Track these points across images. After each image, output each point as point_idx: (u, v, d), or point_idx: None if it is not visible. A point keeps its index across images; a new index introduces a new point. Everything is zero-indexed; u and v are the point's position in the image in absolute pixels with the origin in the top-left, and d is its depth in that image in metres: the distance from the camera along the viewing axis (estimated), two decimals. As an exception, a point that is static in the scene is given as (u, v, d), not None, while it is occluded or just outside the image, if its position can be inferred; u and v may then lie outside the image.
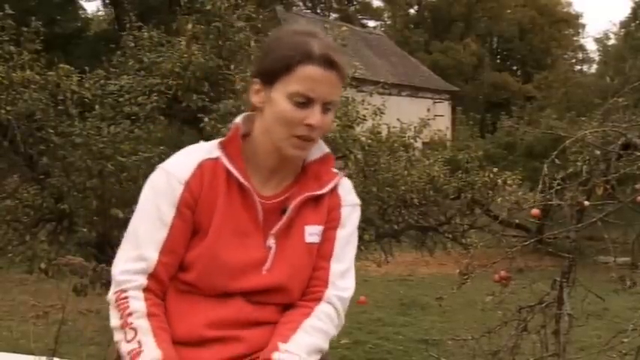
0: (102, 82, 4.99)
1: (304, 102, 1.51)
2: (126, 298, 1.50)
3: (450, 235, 6.74)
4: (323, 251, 1.61)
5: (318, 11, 37.11)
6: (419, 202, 6.12)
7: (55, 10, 17.43)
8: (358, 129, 5.62)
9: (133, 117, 4.80)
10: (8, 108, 4.45)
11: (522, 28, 38.50)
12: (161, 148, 4.64)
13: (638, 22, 29.14)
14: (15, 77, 4.53)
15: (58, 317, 3.84)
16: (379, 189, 5.53)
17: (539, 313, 3.68)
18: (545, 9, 39.34)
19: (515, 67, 41.19)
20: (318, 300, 1.58)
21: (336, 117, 4.67)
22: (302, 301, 1.59)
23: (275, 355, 1.47)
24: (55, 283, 4.46)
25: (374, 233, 5.84)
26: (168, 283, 1.55)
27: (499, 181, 6.35)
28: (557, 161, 3.71)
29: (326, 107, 1.54)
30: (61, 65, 4.82)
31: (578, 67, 42.02)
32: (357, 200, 1.69)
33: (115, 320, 1.50)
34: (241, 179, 1.55)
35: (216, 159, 1.56)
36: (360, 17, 39.48)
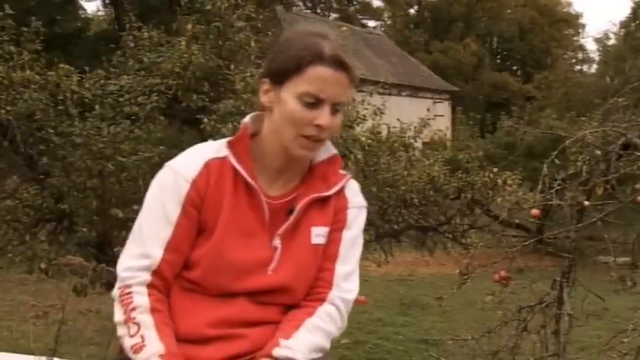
0: (102, 82, 4.99)
1: (314, 102, 1.51)
2: (130, 293, 1.51)
3: (450, 235, 6.75)
4: (328, 252, 1.61)
5: (318, 11, 37.11)
6: (419, 202, 6.12)
7: (55, 10, 17.42)
8: (358, 129, 5.62)
9: (133, 117, 4.80)
10: (8, 108, 4.45)
11: (522, 28, 38.50)
12: (161, 148, 4.65)
13: (638, 22, 29.13)
14: (15, 77, 4.53)
15: (58, 317, 3.84)
16: (379, 189, 5.53)
17: (539, 313, 3.68)
18: (545, 9, 39.33)
19: (515, 67, 41.19)
20: (322, 301, 1.59)
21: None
22: (305, 301, 1.59)
23: (276, 350, 1.48)
24: (55, 283, 4.46)
25: (374, 233, 5.85)
26: (173, 280, 1.55)
27: (499, 181, 6.35)
28: (557, 161, 3.71)
29: (335, 108, 1.54)
30: (61, 65, 4.82)
31: (578, 67, 42.07)
32: (363, 202, 1.69)
33: (118, 315, 1.51)
34: (248, 179, 1.55)
35: (224, 158, 1.56)
36: (360, 17, 39.49)
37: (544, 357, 3.65)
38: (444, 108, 25.56)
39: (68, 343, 5.34)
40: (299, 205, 1.58)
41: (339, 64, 1.51)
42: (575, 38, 43.00)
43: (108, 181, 4.65)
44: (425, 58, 32.18)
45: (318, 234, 1.60)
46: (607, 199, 3.68)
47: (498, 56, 41.68)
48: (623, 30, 32.34)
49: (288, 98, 1.52)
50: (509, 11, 39.61)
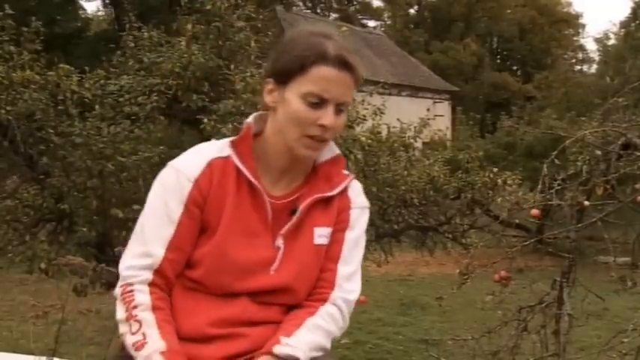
0: (102, 82, 4.99)
1: (318, 102, 1.51)
2: (131, 291, 1.51)
3: (450, 235, 6.75)
4: (331, 253, 1.62)
5: (318, 11, 37.11)
6: (419, 202, 6.12)
7: (55, 10, 17.42)
8: (358, 129, 5.61)
9: (133, 117, 4.80)
10: (8, 108, 4.45)
11: (522, 28, 38.50)
12: (161, 148, 4.65)
13: (638, 22, 29.13)
14: (15, 77, 4.53)
15: (58, 317, 3.84)
16: (379, 189, 5.53)
17: (539, 313, 3.68)
18: (545, 9, 39.34)
19: (515, 67, 41.20)
20: (324, 301, 1.59)
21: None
22: (307, 301, 1.60)
23: (276, 348, 1.48)
24: (55, 283, 4.46)
25: (374, 233, 5.84)
26: (174, 279, 1.56)
27: (499, 181, 6.35)
28: (557, 161, 3.71)
29: (339, 108, 1.54)
30: (61, 65, 4.82)
31: (578, 67, 42.08)
32: (366, 203, 1.69)
33: (120, 313, 1.52)
34: (251, 178, 1.55)
35: (227, 157, 1.56)
36: (360, 17, 39.49)
37: (544, 357, 3.65)
38: (444, 108, 25.57)
39: (68, 343, 5.34)
40: (302, 206, 1.58)
41: (344, 64, 1.51)
42: (575, 38, 43.04)
43: (108, 181, 4.65)
44: (425, 58, 32.18)
45: (321, 234, 1.60)
46: (607, 199, 3.67)
47: (498, 56, 41.68)
48: (623, 30, 32.35)
49: (293, 98, 1.52)
50: (509, 11, 39.61)
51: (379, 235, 6.05)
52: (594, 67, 39.02)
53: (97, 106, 4.79)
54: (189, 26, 5.11)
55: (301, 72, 1.51)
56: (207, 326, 1.52)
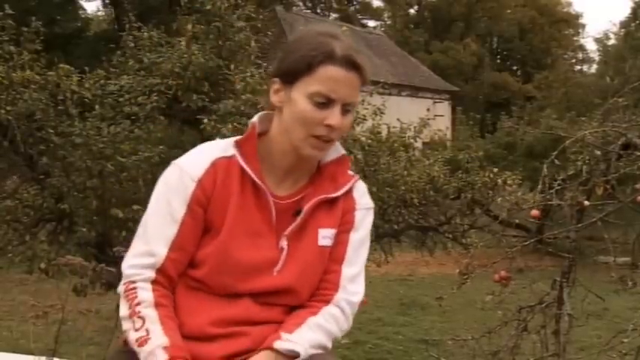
0: (102, 82, 4.99)
1: (324, 102, 1.50)
2: (134, 288, 1.52)
3: (450, 235, 6.75)
4: (335, 254, 1.61)
5: (318, 11, 37.12)
6: (419, 202, 6.12)
7: (55, 10, 17.42)
8: (358, 129, 5.62)
9: (133, 117, 4.80)
10: (8, 108, 4.45)
11: (522, 28, 38.50)
12: (161, 148, 4.64)
13: (638, 22, 29.13)
14: (15, 77, 4.53)
15: (57, 317, 3.83)
16: (379, 189, 5.53)
17: (539, 313, 3.68)
18: (545, 9, 39.33)
19: (515, 67, 41.20)
20: (327, 302, 1.59)
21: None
22: (311, 301, 1.60)
23: (277, 343, 1.49)
24: (55, 283, 4.45)
25: (374, 233, 5.84)
26: (177, 278, 1.56)
27: (499, 181, 6.35)
28: (557, 161, 3.71)
29: (345, 109, 1.53)
30: (61, 65, 4.82)
31: (578, 67, 42.09)
32: (371, 203, 1.68)
33: (123, 310, 1.52)
34: (255, 179, 1.55)
35: (231, 157, 1.56)
36: (360, 17, 39.48)
37: (544, 357, 3.65)
38: (444, 108, 25.56)
39: (68, 343, 5.34)
40: (306, 206, 1.58)
41: (351, 64, 1.51)
42: (575, 38, 43.03)
43: (108, 181, 4.65)
44: (425, 58, 32.17)
45: (325, 236, 1.60)
46: (607, 199, 3.67)
47: (498, 56, 41.68)
48: (623, 30, 32.35)
49: (299, 98, 1.51)
50: (509, 11, 39.61)
51: (379, 235, 6.04)
52: (594, 67, 39.08)
53: (97, 106, 4.79)
54: (189, 26, 5.11)
55: (308, 72, 1.50)
56: (208, 325, 1.52)
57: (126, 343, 1.53)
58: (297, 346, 1.48)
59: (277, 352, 1.48)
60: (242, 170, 1.55)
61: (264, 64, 5.19)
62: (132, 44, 5.27)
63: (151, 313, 1.49)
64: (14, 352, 4.46)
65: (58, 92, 4.71)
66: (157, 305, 1.50)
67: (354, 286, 1.62)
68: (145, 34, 5.30)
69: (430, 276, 10.71)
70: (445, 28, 37.89)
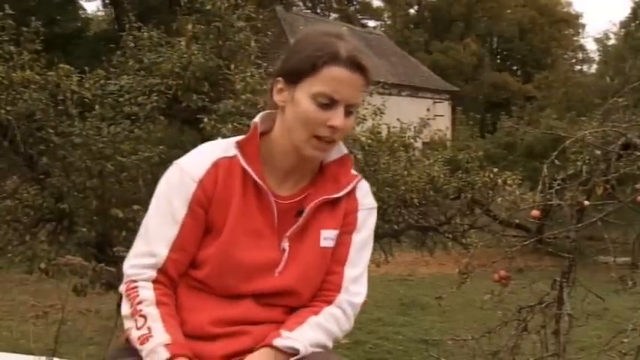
0: (102, 82, 4.99)
1: (328, 103, 1.50)
2: (135, 287, 1.52)
3: (450, 235, 6.75)
4: (337, 255, 1.60)
5: (318, 11, 37.11)
6: (419, 202, 6.13)
7: (55, 10, 17.42)
8: (358, 129, 5.62)
9: (133, 117, 4.80)
10: (8, 108, 4.45)
11: (522, 28, 38.49)
12: (161, 148, 4.64)
13: (638, 22, 29.12)
14: (15, 77, 4.53)
15: (57, 317, 3.84)
16: (379, 189, 5.53)
17: (539, 313, 3.68)
18: (545, 9, 39.32)
19: (515, 67, 41.19)
20: (329, 303, 1.58)
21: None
22: (312, 302, 1.59)
23: (277, 340, 1.49)
24: (55, 283, 4.45)
25: (374, 233, 5.84)
26: (178, 279, 1.56)
27: (499, 181, 6.36)
28: (557, 161, 3.71)
29: (349, 110, 1.52)
30: (61, 65, 4.82)
31: (578, 67, 42.06)
32: (374, 203, 1.67)
33: (125, 309, 1.52)
34: (257, 179, 1.54)
35: (233, 157, 1.55)
36: (360, 17, 39.47)
37: (544, 357, 3.65)
38: (444, 108, 25.55)
39: (68, 343, 5.34)
40: (308, 207, 1.57)
41: (355, 65, 1.50)
42: (575, 38, 43.02)
43: (108, 181, 4.65)
44: (425, 58, 32.16)
45: (327, 237, 1.59)
46: (607, 199, 3.67)
47: (498, 56, 41.68)
48: (623, 30, 32.34)
49: (302, 98, 1.51)
50: (509, 11, 39.60)
51: (379, 235, 6.04)
52: (594, 67, 39.06)
53: (97, 106, 4.79)
54: (189, 26, 5.11)
55: (312, 72, 1.49)
56: (209, 325, 1.52)
57: (127, 341, 1.53)
58: (296, 343, 1.48)
59: (277, 349, 1.48)
60: (243, 171, 1.54)
61: (264, 64, 5.19)
62: (132, 44, 5.27)
63: (152, 312, 1.49)
64: (14, 352, 4.46)
65: (58, 92, 4.71)
66: (159, 303, 1.50)
67: (356, 287, 1.61)
68: (145, 34, 5.31)
69: (430, 276, 10.70)
70: (445, 28, 37.88)
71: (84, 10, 22.81)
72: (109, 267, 3.94)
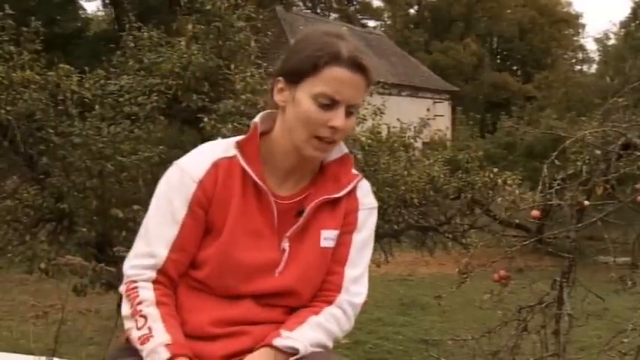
0: (102, 82, 4.99)
1: (329, 104, 1.49)
2: (135, 288, 1.52)
3: (450, 235, 6.75)
4: (338, 256, 1.60)
5: (318, 11, 37.10)
6: (419, 202, 6.13)
7: (55, 10, 17.43)
8: (358, 129, 5.62)
9: (133, 117, 4.80)
10: (8, 108, 4.45)
11: (522, 28, 38.49)
12: (161, 148, 4.64)
13: (638, 22, 29.12)
14: (15, 77, 4.53)
15: (57, 317, 3.84)
16: (379, 189, 5.53)
17: (539, 313, 3.68)
18: (545, 9, 39.32)
19: (515, 67, 41.19)
20: (330, 303, 1.58)
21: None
22: (313, 302, 1.59)
23: (276, 340, 1.49)
24: (55, 283, 4.46)
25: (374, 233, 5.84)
26: (178, 279, 1.56)
27: (499, 181, 6.36)
28: (557, 161, 3.71)
29: (349, 110, 1.52)
30: (61, 65, 4.82)
31: (578, 67, 42.06)
32: (374, 203, 1.67)
33: (125, 309, 1.52)
34: (257, 180, 1.54)
35: (232, 158, 1.55)
36: (360, 17, 39.47)
37: (544, 357, 3.65)
38: (444, 108, 25.55)
39: (68, 343, 5.34)
40: (309, 207, 1.57)
41: (357, 65, 1.50)
42: (575, 38, 43.02)
43: (108, 181, 4.65)
44: (425, 58, 32.16)
45: (328, 237, 1.59)
46: (607, 199, 3.67)
47: (498, 56, 41.68)
48: (623, 30, 32.34)
49: (303, 98, 1.50)
50: (509, 11, 39.60)
51: (379, 235, 6.05)
52: (594, 67, 39.05)
53: (97, 106, 4.79)
54: (189, 26, 5.11)
55: (313, 72, 1.49)
56: (209, 325, 1.52)
57: (127, 341, 1.53)
58: (296, 342, 1.48)
59: (277, 349, 1.48)
60: (243, 171, 1.54)
61: (264, 64, 5.19)
62: (132, 44, 5.27)
63: (152, 312, 1.49)
64: (14, 352, 4.46)
65: (58, 92, 4.71)
66: (159, 304, 1.50)
67: (356, 287, 1.61)
68: (145, 34, 5.31)
69: (430, 276, 10.70)
70: (445, 28, 37.88)
71: (84, 10, 22.85)
72: (109, 267, 3.95)
